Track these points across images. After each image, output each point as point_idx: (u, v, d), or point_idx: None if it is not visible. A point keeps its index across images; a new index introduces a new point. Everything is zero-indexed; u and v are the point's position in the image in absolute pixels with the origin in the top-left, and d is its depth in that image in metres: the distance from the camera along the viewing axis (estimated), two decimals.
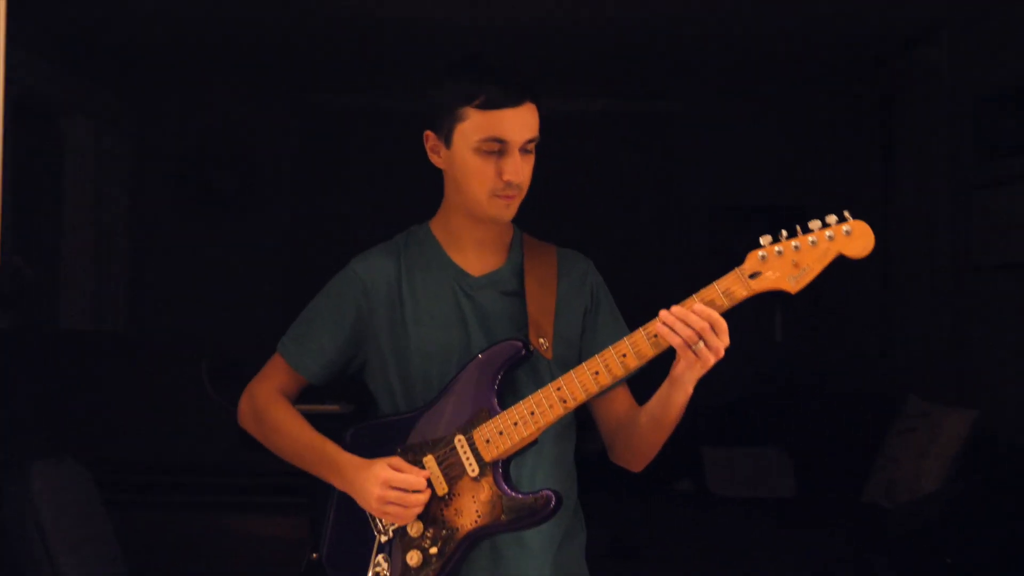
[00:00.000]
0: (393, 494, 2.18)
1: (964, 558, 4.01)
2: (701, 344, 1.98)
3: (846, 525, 4.78)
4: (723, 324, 1.99)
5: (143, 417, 3.49)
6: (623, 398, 2.31)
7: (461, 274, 2.31)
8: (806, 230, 1.97)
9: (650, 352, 2.06)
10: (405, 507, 2.19)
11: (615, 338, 2.11)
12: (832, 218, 1.96)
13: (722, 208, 6.71)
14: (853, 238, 1.95)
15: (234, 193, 6.20)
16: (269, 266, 6.39)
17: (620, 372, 2.09)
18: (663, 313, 2.01)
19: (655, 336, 2.04)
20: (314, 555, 2.22)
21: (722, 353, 2.00)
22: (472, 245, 2.31)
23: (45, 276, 5.15)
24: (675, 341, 2.00)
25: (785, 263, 1.97)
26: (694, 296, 2.01)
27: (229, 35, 5.53)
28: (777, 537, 4.91)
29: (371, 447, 2.29)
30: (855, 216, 1.97)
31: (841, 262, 1.97)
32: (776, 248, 1.98)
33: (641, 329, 2.07)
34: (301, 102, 6.55)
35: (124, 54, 5.86)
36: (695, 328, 1.98)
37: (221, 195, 6.16)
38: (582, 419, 2.33)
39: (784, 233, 1.98)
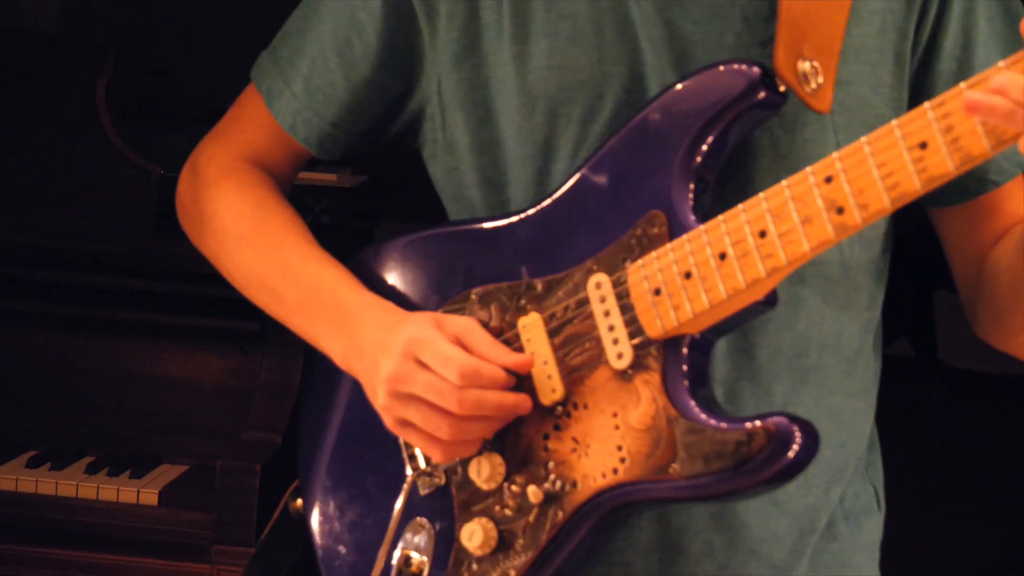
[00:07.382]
0: (431, 381, 1.08)
1: None
2: None
3: None
4: None
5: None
6: (1017, 200, 1.17)
7: None
8: None
9: None
10: (453, 418, 1.08)
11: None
12: None
13: None
14: None
15: None
16: None
17: (1016, 128, 0.87)
18: None
19: None
20: (298, 501, 1.30)
21: None
22: None
23: None
24: None
25: None
26: None
27: None
28: None
29: (410, 284, 1.24)
30: None
31: None
32: None
33: None
34: None
35: None
36: None
37: None
38: None
39: None
